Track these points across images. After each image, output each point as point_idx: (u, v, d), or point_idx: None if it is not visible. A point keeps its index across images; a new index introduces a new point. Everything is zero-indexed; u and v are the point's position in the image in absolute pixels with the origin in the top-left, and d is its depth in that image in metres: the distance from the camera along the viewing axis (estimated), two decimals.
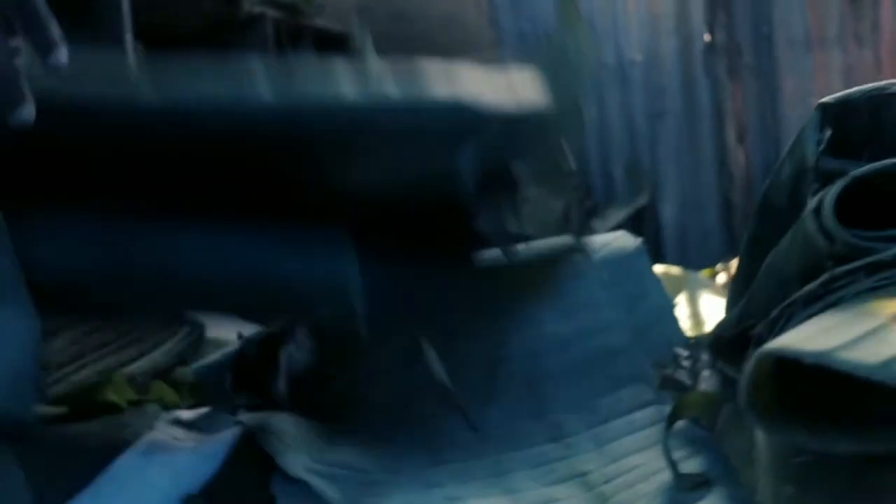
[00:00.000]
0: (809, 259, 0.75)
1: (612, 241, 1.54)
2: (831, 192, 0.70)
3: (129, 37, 2.27)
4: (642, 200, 3.96)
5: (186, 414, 1.45)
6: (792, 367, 0.65)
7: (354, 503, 1.28)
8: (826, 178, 0.76)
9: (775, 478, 0.83)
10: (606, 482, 1.24)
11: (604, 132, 4.45)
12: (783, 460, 0.80)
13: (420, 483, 1.34)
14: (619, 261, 1.51)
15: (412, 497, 1.30)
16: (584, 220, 4.24)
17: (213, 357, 1.49)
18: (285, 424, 1.37)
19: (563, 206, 4.40)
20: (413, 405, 1.47)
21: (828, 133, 0.74)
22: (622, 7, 4.23)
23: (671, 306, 1.50)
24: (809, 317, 0.68)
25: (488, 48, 4.64)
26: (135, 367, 1.60)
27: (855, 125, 0.81)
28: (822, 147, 0.75)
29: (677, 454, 1.17)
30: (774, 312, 0.70)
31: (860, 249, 0.70)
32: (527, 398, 1.42)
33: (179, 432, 1.37)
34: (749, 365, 0.64)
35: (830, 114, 0.78)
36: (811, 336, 0.60)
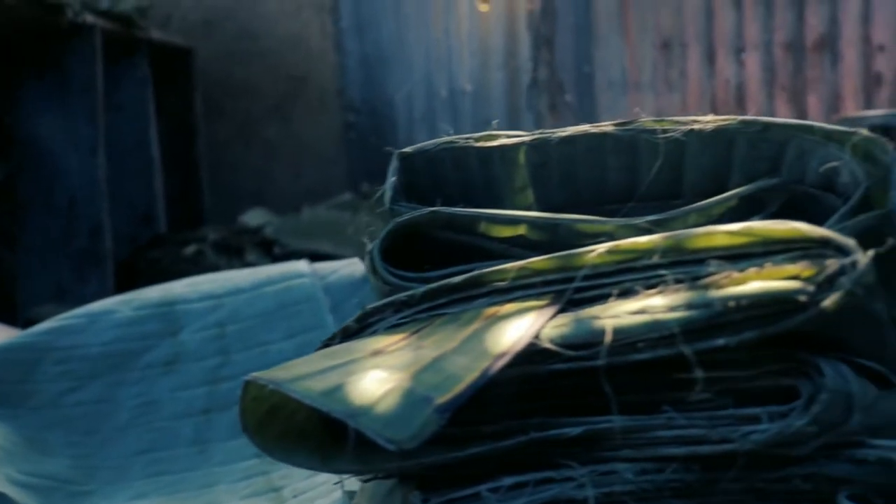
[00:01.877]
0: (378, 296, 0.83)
1: (341, 267, 1.60)
2: (380, 235, 0.78)
3: None
4: None
5: None
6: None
7: None
8: None
9: (362, 496, 0.91)
10: (295, 497, 1.30)
11: None
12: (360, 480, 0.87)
13: (129, 494, 1.38)
14: (347, 286, 1.57)
15: None
16: None
17: None
18: None
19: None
20: (142, 417, 1.52)
21: (395, 180, 0.82)
22: (455, 39, 4.35)
23: None
24: None
25: (332, 70, 4.72)
26: None
27: (435, 174, 0.89)
28: (392, 193, 0.82)
29: None
30: (320, 346, 0.77)
31: (399, 288, 0.78)
32: None
33: None
34: (241, 390, 0.70)
35: (407, 162, 0.86)
36: (294, 365, 0.67)
